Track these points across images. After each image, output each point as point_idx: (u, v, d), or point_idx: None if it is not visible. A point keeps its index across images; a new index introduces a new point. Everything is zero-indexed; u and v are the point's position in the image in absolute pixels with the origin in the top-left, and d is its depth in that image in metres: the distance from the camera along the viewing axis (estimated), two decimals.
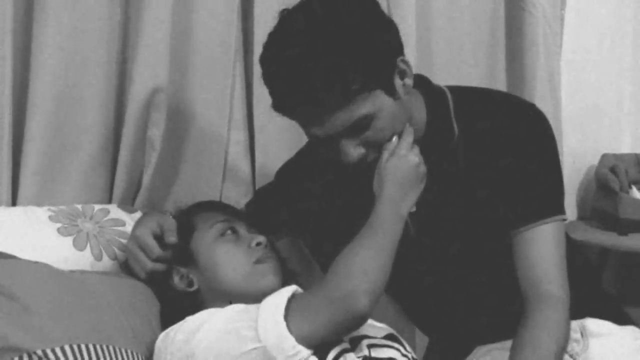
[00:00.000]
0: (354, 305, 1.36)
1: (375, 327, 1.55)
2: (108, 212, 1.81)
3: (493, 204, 1.57)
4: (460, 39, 2.30)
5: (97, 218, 1.78)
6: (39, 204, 1.78)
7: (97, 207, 1.82)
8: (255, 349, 1.35)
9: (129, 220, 1.77)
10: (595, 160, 2.73)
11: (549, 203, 1.57)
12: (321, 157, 1.55)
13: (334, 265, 1.42)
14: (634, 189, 2.61)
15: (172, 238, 1.58)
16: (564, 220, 1.59)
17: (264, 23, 1.76)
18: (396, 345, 1.53)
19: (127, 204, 1.90)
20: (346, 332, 1.44)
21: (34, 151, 1.79)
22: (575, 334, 1.58)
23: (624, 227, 2.56)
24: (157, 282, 1.60)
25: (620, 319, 1.66)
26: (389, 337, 1.55)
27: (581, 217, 2.79)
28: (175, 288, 1.57)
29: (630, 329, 1.65)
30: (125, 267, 1.67)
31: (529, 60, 2.33)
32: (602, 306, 1.69)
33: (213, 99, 1.99)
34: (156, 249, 1.58)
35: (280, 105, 1.45)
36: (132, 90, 1.87)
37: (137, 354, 1.47)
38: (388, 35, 1.46)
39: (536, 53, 2.32)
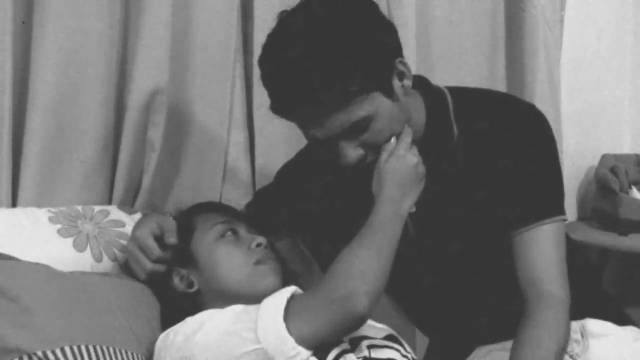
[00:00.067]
0: (354, 306, 1.36)
1: (375, 328, 1.55)
2: (108, 213, 1.81)
3: (493, 204, 1.57)
4: (460, 39, 2.30)
5: (97, 219, 1.78)
6: (39, 205, 1.78)
7: (97, 208, 1.82)
8: (255, 350, 1.35)
9: (129, 222, 1.77)
10: (595, 161, 2.73)
11: (549, 203, 1.57)
12: (321, 159, 1.55)
13: (334, 266, 1.42)
14: (634, 189, 2.61)
15: (172, 239, 1.58)
16: (564, 220, 1.59)
17: (264, 24, 1.76)
18: (396, 345, 1.53)
19: (127, 205, 1.90)
20: (346, 332, 1.44)
21: (34, 152, 1.79)
22: (575, 335, 1.59)
23: (624, 227, 2.56)
24: (157, 283, 1.59)
25: (621, 320, 1.66)
26: (388, 337, 1.55)
27: (581, 217, 2.79)
28: (175, 289, 1.57)
29: (630, 330, 1.65)
30: (125, 268, 1.67)
31: (528, 60, 2.33)
32: (603, 307, 1.69)
33: (213, 100, 1.99)
34: (156, 250, 1.58)
35: (279, 107, 1.45)
36: (132, 91, 1.87)
37: (137, 354, 1.47)
38: (387, 37, 1.46)
39: (536, 53, 2.32)
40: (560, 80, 2.41)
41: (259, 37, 1.77)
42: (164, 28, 1.87)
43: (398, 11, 2.11)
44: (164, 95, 1.88)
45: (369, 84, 1.41)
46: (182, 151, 2.00)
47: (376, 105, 1.43)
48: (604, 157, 2.70)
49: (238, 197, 2.01)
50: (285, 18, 1.45)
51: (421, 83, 1.61)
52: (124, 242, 1.71)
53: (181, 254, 1.58)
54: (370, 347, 1.48)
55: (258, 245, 1.57)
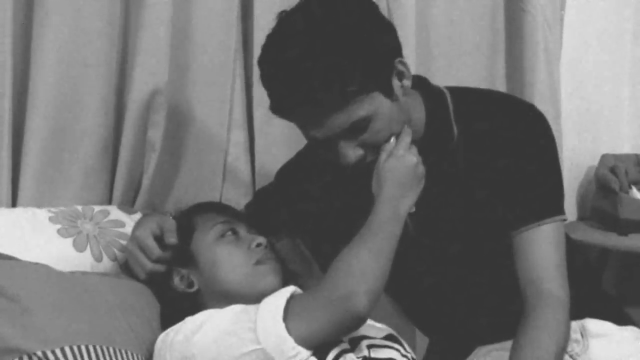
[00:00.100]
0: (353, 306, 1.36)
1: (374, 328, 1.55)
2: (108, 213, 1.81)
3: (493, 204, 1.57)
4: (460, 39, 2.30)
5: (97, 219, 1.78)
6: (39, 205, 1.78)
7: (97, 208, 1.82)
8: (254, 350, 1.35)
9: (129, 222, 1.77)
10: (595, 161, 2.72)
11: (549, 203, 1.57)
12: (320, 159, 1.55)
13: (333, 266, 1.42)
14: (634, 189, 2.61)
15: (172, 239, 1.58)
16: (564, 220, 1.58)
17: (264, 24, 1.76)
18: (396, 345, 1.53)
19: (127, 205, 1.90)
20: (345, 332, 1.44)
21: (34, 152, 1.79)
22: (575, 335, 1.59)
23: (624, 227, 2.55)
24: (157, 283, 1.59)
25: (621, 320, 1.66)
26: (388, 337, 1.55)
27: (581, 217, 2.79)
28: (175, 289, 1.57)
29: (630, 330, 1.65)
30: (125, 268, 1.67)
31: (528, 60, 2.33)
32: (603, 306, 1.69)
33: (213, 100, 1.99)
34: (156, 250, 1.58)
35: (278, 107, 1.45)
36: (132, 91, 1.87)
37: (137, 355, 1.48)
38: (386, 37, 1.46)
39: (536, 53, 2.32)
40: (560, 80, 2.41)
41: (259, 37, 1.77)
42: (164, 28, 1.87)
43: (398, 11, 2.11)
44: (163, 95, 1.88)
45: (368, 84, 1.41)
46: (182, 151, 2.00)
47: (376, 105, 1.43)
48: (604, 157, 2.70)
49: (238, 197, 2.01)
50: (284, 18, 1.45)
51: (421, 83, 1.61)
52: (124, 242, 1.71)
53: (181, 254, 1.58)
54: (370, 346, 1.48)
55: (258, 245, 1.57)
